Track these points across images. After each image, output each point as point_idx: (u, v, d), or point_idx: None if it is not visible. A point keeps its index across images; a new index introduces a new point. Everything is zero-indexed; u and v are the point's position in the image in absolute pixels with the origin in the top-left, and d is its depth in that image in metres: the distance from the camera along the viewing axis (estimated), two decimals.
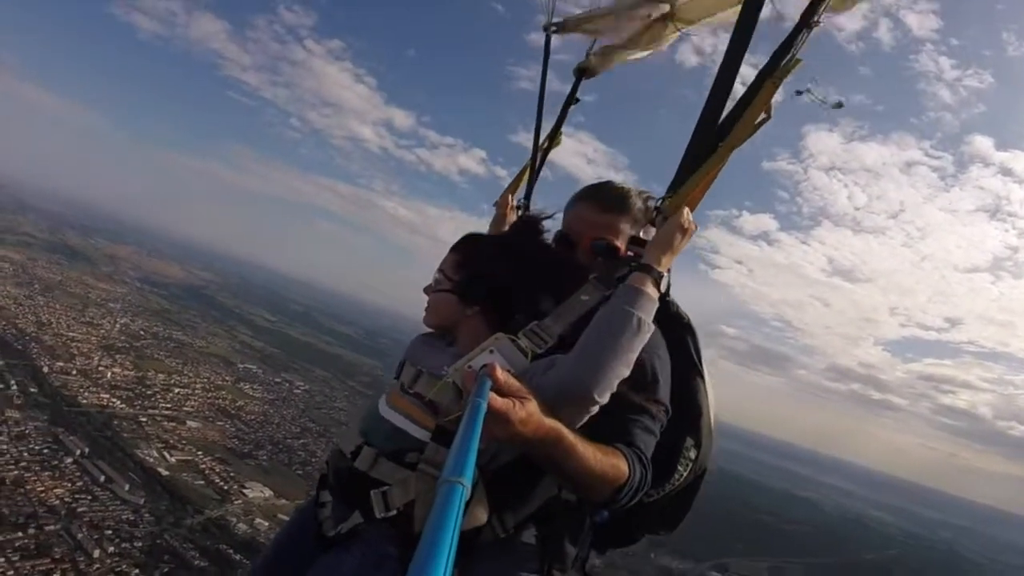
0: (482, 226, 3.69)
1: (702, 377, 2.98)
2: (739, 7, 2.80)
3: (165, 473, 61.06)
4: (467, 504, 1.06)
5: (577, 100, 4.20)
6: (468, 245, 2.88)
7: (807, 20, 2.60)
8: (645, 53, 4.16)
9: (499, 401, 1.91)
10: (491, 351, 2.27)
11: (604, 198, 3.03)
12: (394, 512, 2.31)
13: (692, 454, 2.86)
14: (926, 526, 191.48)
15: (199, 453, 67.43)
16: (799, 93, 2.66)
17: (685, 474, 2.85)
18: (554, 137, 4.20)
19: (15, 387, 64.69)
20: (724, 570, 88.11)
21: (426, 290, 2.88)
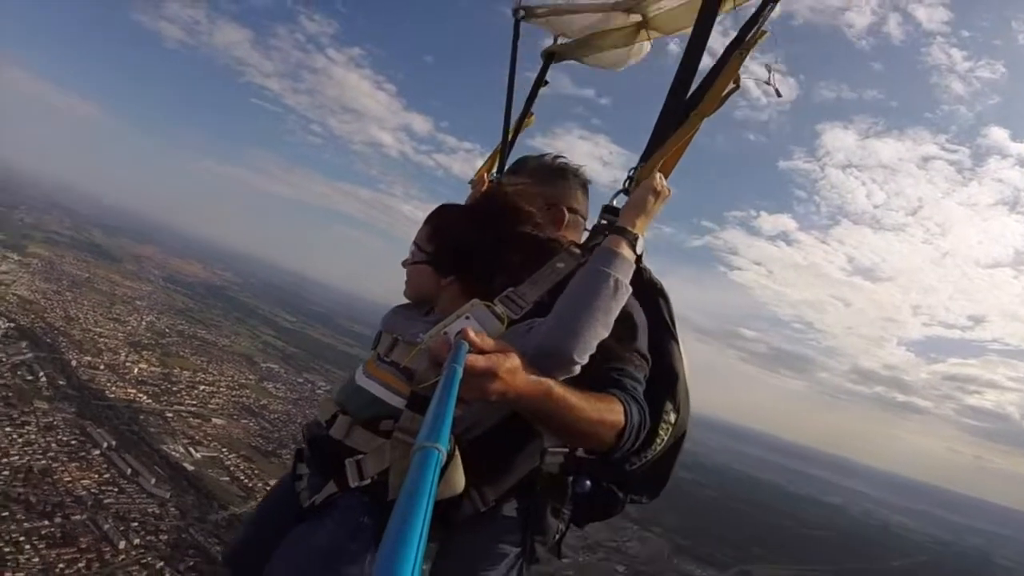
0: None
1: (676, 341, 3.02)
2: None
3: (191, 468, 60.92)
4: (443, 470, 1.04)
5: (546, 83, 4.40)
6: (439, 215, 2.95)
7: None
8: (615, 58, 4.35)
9: (482, 359, 1.94)
10: (467, 317, 2.28)
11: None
12: (368, 481, 2.40)
13: (672, 418, 2.87)
14: (955, 532, 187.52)
15: (224, 450, 67.24)
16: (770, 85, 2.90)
17: (666, 438, 2.86)
18: (524, 117, 4.37)
19: (44, 379, 64.67)
20: None
21: (404, 263, 2.96)
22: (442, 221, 2.92)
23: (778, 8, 2.78)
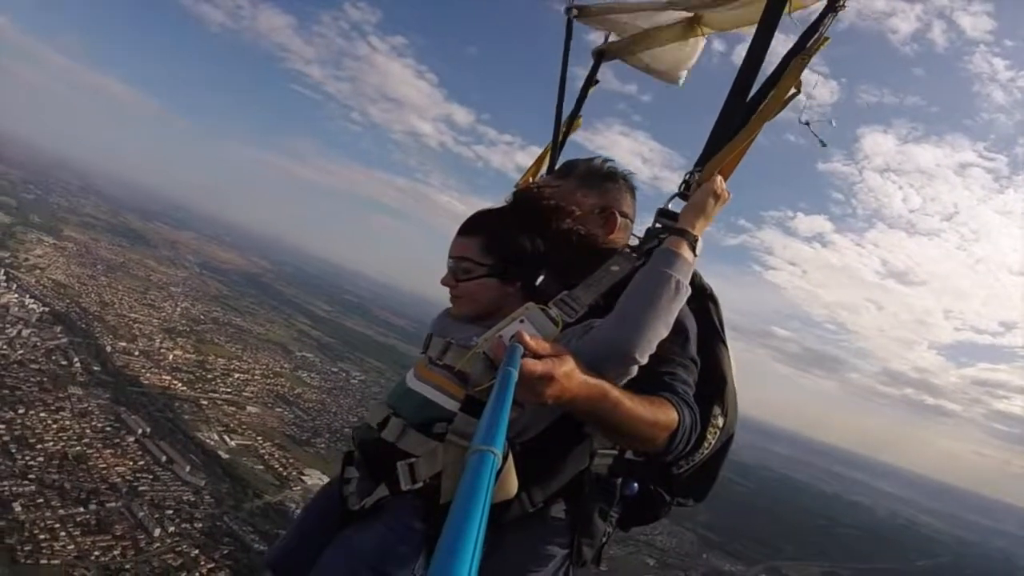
0: None
1: (725, 345, 3.00)
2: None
3: (225, 456, 60.99)
4: (498, 474, 1.11)
5: (596, 82, 4.28)
6: (489, 225, 2.86)
7: (833, 4, 2.70)
8: (671, 64, 4.23)
9: (538, 363, 1.93)
10: (521, 320, 2.26)
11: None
12: (420, 484, 2.37)
13: (720, 422, 2.88)
14: (980, 534, 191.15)
15: (259, 438, 67.27)
16: (805, 123, 2.86)
17: (714, 442, 2.86)
18: (573, 120, 4.24)
19: (78, 364, 64.97)
20: (776, 573, 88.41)
21: (447, 281, 2.83)
22: (495, 230, 2.82)
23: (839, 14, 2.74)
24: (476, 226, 2.84)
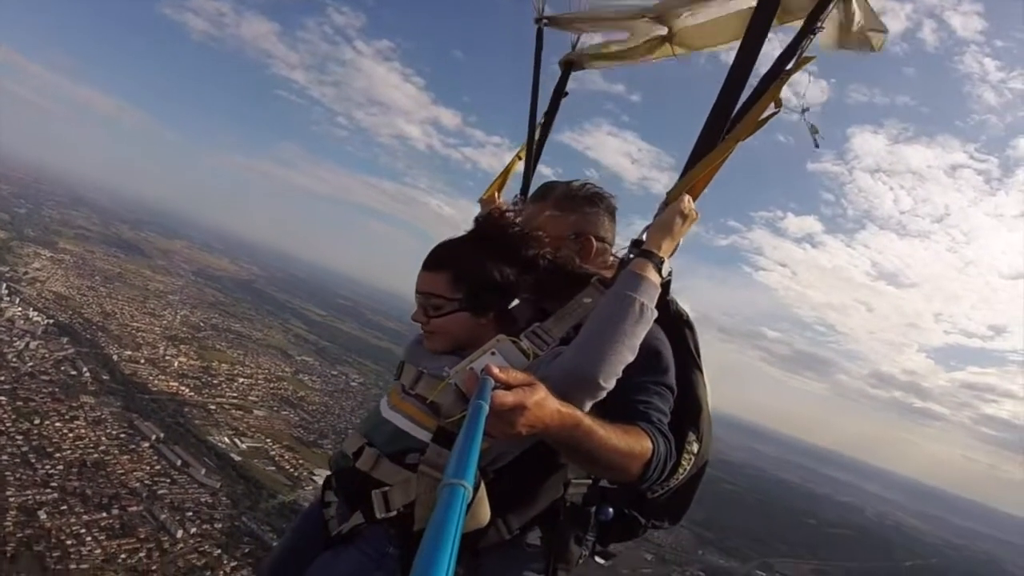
0: None
1: (701, 371, 2.99)
2: (737, 42, 2.83)
3: (238, 459, 61.90)
4: (469, 506, 1.11)
5: (566, 93, 4.23)
6: (456, 257, 2.79)
7: (810, 26, 2.70)
8: (634, 62, 4.12)
9: (509, 394, 1.90)
10: (492, 352, 2.27)
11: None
12: (394, 513, 2.40)
13: (694, 448, 2.85)
14: (966, 536, 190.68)
15: (268, 440, 68.23)
16: (804, 111, 2.79)
17: (689, 468, 2.82)
18: (546, 131, 4.22)
19: (88, 374, 65.65)
20: (769, 570, 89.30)
21: (418, 318, 2.80)
22: (462, 262, 2.76)
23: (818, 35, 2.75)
24: (443, 260, 2.77)
